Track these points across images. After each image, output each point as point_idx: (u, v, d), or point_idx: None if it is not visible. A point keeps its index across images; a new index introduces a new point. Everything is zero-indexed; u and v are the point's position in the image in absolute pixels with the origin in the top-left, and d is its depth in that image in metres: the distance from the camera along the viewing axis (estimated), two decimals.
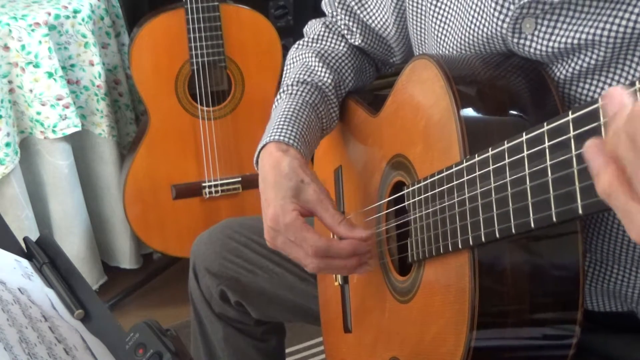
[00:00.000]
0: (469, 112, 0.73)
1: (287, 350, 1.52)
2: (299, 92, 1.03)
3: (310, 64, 1.06)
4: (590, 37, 0.72)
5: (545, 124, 0.57)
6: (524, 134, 0.60)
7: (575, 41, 0.73)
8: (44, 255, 0.79)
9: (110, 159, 2.04)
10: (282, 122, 0.97)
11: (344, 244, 0.88)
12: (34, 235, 0.82)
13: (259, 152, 0.98)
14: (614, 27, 0.70)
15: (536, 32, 0.76)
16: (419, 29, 0.95)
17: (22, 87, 1.82)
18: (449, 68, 0.77)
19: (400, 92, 0.90)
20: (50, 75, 1.80)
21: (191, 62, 1.86)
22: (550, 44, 0.75)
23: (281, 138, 0.95)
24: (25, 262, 0.78)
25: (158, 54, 1.87)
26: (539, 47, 0.76)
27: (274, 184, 0.91)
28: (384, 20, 1.03)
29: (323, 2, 1.11)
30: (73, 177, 1.97)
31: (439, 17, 0.89)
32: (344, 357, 1.09)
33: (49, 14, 1.81)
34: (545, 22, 0.75)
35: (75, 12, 1.86)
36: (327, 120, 1.05)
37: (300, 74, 1.05)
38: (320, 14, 1.13)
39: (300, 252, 0.89)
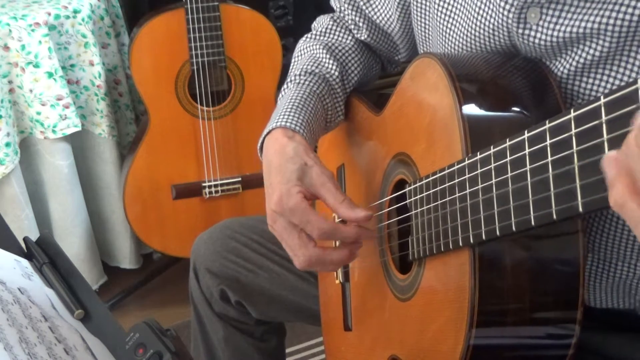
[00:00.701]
0: (471, 110, 0.73)
1: (287, 350, 1.52)
2: (306, 82, 1.03)
3: (317, 55, 1.07)
4: (595, 26, 0.72)
5: (547, 121, 0.57)
6: (525, 131, 0.60)
7: (580, 30, 0.73)
8: (44, 255, 0.79)
9: (110, 159, 2.03)
10: (289, 109, 0.97)
11: (350, 228, 0.87)
12: (34, 235, 0.82)
13: (264, 138, 0.97)
14: (620, 16, 0.70)
15: (541, 22, 0.76)
16: (423, 24, 0.95)
17: (22, 87, 1.82)
18: (452, 66, 0.77)
19: (403, 90, 0.90)
20: (50, 75, 1.80)
21: (191, 62, 1.86)
22: (555, 33, 0.75)
23: (287, 124, 0.94)
24: (25, 262, 0.78)
25: (158, 54, 1.87)
26: (543, 37, 0.76)
27: (279, 167, 0.90)
28: (388, 16, 1.03)
29: None
30: (73, 177, 1.97)
31: (445, 10, 0.89)
32: (344, 355, 1.09)
33: (49, 14, 1.81)
34: (550, 12, 0.75)
35: (75, 12, 1.86)
36: (332, 113, 1.05)
37: (307, 64, 1.05)
38: (320, 13, 1.14)
39: (295, 241, 0.88)
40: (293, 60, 1.12)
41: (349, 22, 1.09)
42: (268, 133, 0.96)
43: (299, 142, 0.93)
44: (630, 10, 0.69)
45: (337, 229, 0.87)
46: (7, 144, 1.78)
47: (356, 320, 1.04)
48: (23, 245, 0.81)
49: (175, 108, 1.92)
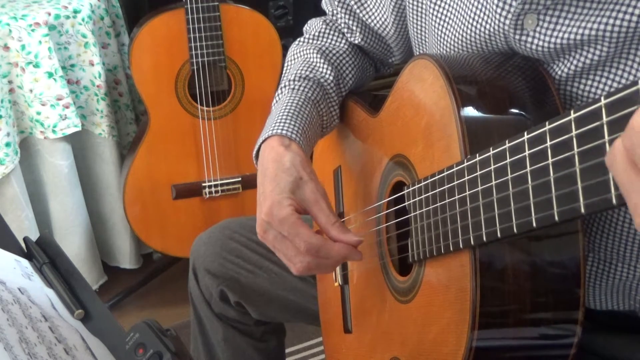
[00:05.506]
0: (469, 111, 0.73)
1: (287, 350, 1.52)
2: (301, 88, 1.02)
3: (312, 60, 1.06)
4: (593, 32, 0.71)
5: (547, 123, 0.57)
6: (525, 133, 0.60)
7: (578, 37, 0.73)
8: (44, 255, 0.79)
9: (110, 159, 2.04)
10: (284, 116, 0.96)
11: (338, 247, 0.87)
12: (34, 235, 0.82)
13: (260, 146, 0.97)
14: (617, 22, 0.69)
15: (538, 29, 0.76)
16: (419, 28, 0.95)
17: (22, 87, 1.82)
18: (448, 67, 0.77)
19: (400, 91, 0.90)
20: (50, 75, 1.80)
21: (191, 62, 1.86)
22: (552, 40, 0.75)
23: (284, 132, 0.94)
24: (25, 262, 0.78)
25: (158, 54, 1.87)
26: (540, 43, 0.76)
27: (273, 177, 0.90)
28: (383, 19, 1.03)
29: (323, 1, 1.11)
30: (73, 177, 1.97)
31: (440, 15, 0.88)
32: (344, 357, 1.09)
33: (49, 14, 1.81)
34: (547, 18, 0.75)
35: (75, 12, 1.86)
36: (327, 118, 1.04)
37: (302, 69, 1.05)
38: (320, 13, 1.13)
39: (290, 249, 0.87)
40: (286, 65, 1.11)
41: (342, 25, 1.09)
42: (264, 141, 0.96)
43: (296, 152, 0.92)
44: (627, 17, 0.69)
45: (325, 245, 0.86)
46: (7, 144, 1.78)
47: (356, 323, 1.04)
48: (23, 245, 0.81)
49: (175, 108, 1.92)
